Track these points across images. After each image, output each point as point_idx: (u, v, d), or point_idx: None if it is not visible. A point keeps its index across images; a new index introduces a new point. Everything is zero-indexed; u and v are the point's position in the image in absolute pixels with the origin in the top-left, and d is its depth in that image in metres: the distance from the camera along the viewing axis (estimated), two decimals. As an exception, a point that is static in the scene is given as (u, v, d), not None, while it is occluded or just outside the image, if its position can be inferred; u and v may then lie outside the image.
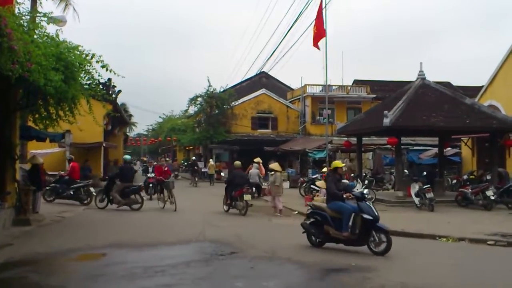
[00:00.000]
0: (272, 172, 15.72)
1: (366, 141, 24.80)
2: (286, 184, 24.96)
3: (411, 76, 42.40)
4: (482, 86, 22.98)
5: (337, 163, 9.91)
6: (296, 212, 15.37)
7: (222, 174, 31.33)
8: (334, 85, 36.49)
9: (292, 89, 43.01)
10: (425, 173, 20.66)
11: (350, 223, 8.48)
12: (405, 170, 23.41)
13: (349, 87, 37.24)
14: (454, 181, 21.77)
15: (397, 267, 7.57)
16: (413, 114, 17.04)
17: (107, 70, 10.42)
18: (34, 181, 12.69)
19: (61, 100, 10.54)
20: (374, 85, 37.52)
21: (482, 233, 10.59)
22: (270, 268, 7.51)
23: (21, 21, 8.63)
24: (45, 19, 9.43)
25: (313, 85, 36.42)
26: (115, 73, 10.59)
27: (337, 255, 8.40)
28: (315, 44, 18.08)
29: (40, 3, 10.83)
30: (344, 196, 8.96)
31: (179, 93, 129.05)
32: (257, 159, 20.42)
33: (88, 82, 11.21)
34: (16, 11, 9.20)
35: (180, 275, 6.85)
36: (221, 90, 36.43)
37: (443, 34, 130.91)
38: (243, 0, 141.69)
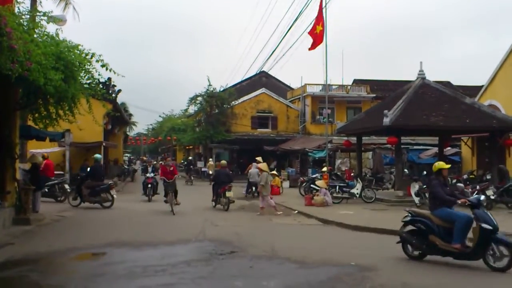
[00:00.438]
0: (268, 172, 15.85)
1: (366, 141, 24.79)
2: (286, 184, 25.01)
3: (411, 75, 42.42)
4: (482, 86, 22.97)
5: (442, 164, 8.44)
6: (296, 211, 15.37)
7: None
8: (334, 85, 36.46)
9: (292, 89, 42.99)
10: (425, 172, 20.69)
11: (466, 234, 7.51)
12: (405, 170, 23.43)
13: (349, 87, 37.22)
14: (454, 181, 21.74)
15: (397, 266, 7.57)
16: (413, 114, 17.04)
17: (107, 69, 10.44)
18: (34, 181, 12.69)
19: (61, 100, 10.54)
20: (374, 85, 37.50)
21: (482, 232, 10.56)
22: (270, 268, 7.51)
23: (21, 20, 8.64)
24: (45, 18, 9.45)
25: (313, 84, 36.41)
26: (115, 73, 10.63)
27: (337, 255, 8.40)
28: (313, 48, 18.17)
29: (40, 2, 10.80)
30: (459, 202, 7.75)
31: (179, 92, 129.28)
32: (259, 158, 20.58)
33: (88, 81, 11.24)
34: (16, 10, 9.21)
35: (180, 274, 6.85)
36: (221, 89, 36.42)
37: (443, 34, 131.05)
38: None
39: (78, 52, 10.09)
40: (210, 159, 32.47)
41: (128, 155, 63.01)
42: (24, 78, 8.17)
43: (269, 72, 41.35)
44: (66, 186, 16.47)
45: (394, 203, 16.73)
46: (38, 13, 9.69)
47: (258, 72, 40.47)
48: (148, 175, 19.47)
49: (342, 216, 13.53)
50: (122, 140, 35.74)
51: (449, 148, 24.05)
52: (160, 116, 64.13)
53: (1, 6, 7.60)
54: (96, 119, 12.63)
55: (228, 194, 15.26)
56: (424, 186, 15.53)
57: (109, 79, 16.30)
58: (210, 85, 35.89)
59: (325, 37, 18.44)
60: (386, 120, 16.26)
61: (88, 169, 16.89)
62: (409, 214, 8.30)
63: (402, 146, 19.85)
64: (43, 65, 8.41)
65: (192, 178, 29.91)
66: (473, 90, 27.15)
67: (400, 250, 8.20)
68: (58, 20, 10.40)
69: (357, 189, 17.63)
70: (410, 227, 8.21)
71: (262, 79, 43.24)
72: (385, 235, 10.83)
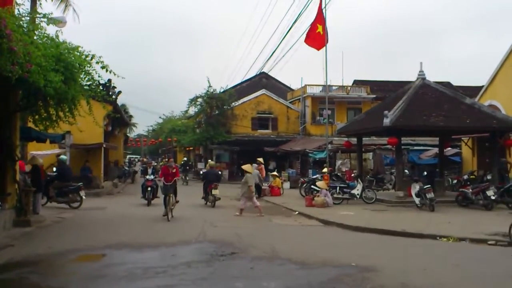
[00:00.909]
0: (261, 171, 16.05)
1: (366, 141, 24.79)
2: (286, 185, 25.01)
3: (411, 76, 42.44)
4: (482, 86, 22.97)
5: None
6: (297, 212, 15.37)
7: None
8: (334, 86, 36.47)
9: (292, 90, 42.99)
10: (425, 173, 20.67)
11: None
12: (406, 170, 23.41)
13: (349, 88, 37.22)
14: (455, 181, 21.76)
15: (397, 267, 7.55)
16: (413, 114, 17.04)
17: (107, 71, 10.43)
18: (34, 182, 12.70)
19: (61, 101, 10.53)
20: (374, 85, 37.50)
21: (483, 233, 10.57)
22: (270, 269, 7.51)
23: (21, 22, 8.63)
24: (45, 20, 9.44)
25: (313, 85, 36.40)
26: (115, 74, 10.62)
27: (337, 256, 8.39)
28: (320, 47, 18.27)
29: (40, 4, 10.87)
30: None
31: (179, 93, 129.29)
32: (260, 159, 22.00)
33: (88, 83, 11.22)
34: (16, 12, 9.21)
35: (180, 276, 6.85)
36: (221, 90, 36.44)
37: (443, 34, 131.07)
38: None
39: (78, 53, 10.08)
40: (209, 161, 32.39)
41: (137, 156, 62.47)
42: (24, 80, 8.16)
43: (269, 73, 41.40)
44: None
45: (394, 204, 16.74)
46: (38, 15, 9.70)
47: (258, 73, 40.50)
48: (148, 177, 17.89)
49: (343, 217, 13.53)
50: (122, 142, 35.73)
51: (449, 148, 24.04)
52: (160, 117, 64.34)
53: (1, 8, 7.60)
54: (96, 121, 12.63)
55: (214, 192, 16.53)
56: (425, 187, 15.54)
57: (109, 80, 16.33)
58: (210, 86, 35.95)
59: (326, 38, 18.46)
60: (386, 121, 16.26)
61: (54, 169, 17.07)
62: None
63: (402, 146, 19.85)
64: (43, 67, 8.41)
65: (188, 178, 30.64)
66: (473, 91, 27.14)
67: (400, 250, 8.18)
68: (58, 22, 10.40)
69: (358, 190, 17.63)
70: None
71: (262, 80, 43.25)
72: (385, 235, 10.84)
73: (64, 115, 11.38)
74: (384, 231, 11.18)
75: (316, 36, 18.26)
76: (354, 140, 22.06)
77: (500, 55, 21.28)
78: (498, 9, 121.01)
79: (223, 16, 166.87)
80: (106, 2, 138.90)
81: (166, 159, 26.51)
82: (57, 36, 9.81)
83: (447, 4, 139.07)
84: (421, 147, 27.14)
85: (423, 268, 7.50)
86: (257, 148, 32.33)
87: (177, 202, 14.23)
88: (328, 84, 24.14)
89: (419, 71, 19.07)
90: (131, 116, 49.47)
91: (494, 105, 20.68)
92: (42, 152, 19.12)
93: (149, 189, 17.34)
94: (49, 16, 9.61)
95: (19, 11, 9.43)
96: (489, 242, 9.85)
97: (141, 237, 10.25)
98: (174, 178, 14.03)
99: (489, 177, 18.15)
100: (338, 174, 23.35)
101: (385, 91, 34.96)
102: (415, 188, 15.86)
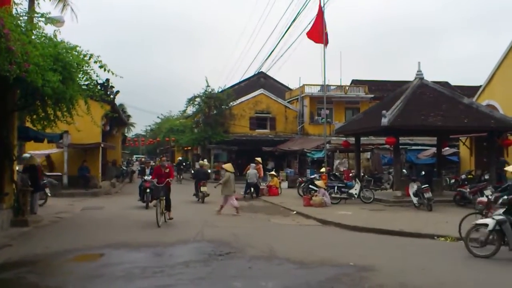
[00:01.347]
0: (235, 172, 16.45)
1: (364, 141, 24.79)
2: (284, 184, 25.02)
3: (409, 76, 42.40)
4: (480, 86, 23.00)
5: None
6: (295, 212, 15.38)
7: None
8: (332, 85, 36.48)
9: (290, 89, 42.96)
10: (423, 172, 20.69)
11: None
12: (404, 170, 23.43)
13: (347, 87, 37.24)
14: (453, 181, 21.79)
15: (395, 267, 7.57)
16: (411, 114, 17.06)
17: (105, 70, 10.41)
18: (32, 182, 12.67)
19: (59, 101, 10.52)
20: (372, 85, 37.53)
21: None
22: (268, 268, 7.51)
23: (19, 22, 8.62)
24: (43, 19, 9.44)
25: (311, 85, 36.42)
26: (113, 73, 10.60)
27: (335, 255, 8.40)
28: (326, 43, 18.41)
29: (38, 3, 10.87)
30: None
31: (178, 93, 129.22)
32: (258, 159, 22.66)
33: (86, 82, 11.19)
34: (14, 11, 9.20)
35: (178, 275, 6.85)
36: (219, 90, 36.41)
37: (442, 34, 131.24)
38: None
39: (76, 53, 10.06)
40: (200, 161, 32.22)
41: (142, 156, 61.29)
42: (22, 79, 8.15)
43: (268, 73, 41.42)
44: None
45: (392, 204, 16.75)
46: (36, 15, 9.70)
47: (256, 73, 40.49)
48: (145, 177, 16.72)
49: (341, 217, 13.54)
50: (120, 141, 35.66)
51: (447, 148, 24.06)
52: (158, 117, 64.17)
53: (-1, 8, 7.60)
54: (94, 120, 12.61)
55: (203, 189, 18.02)
56: (423, 187, 15.56)
57: (108, 80, 16.31)
58: (208, 86, 35.94)
59: (324, 38, 18.49)
60: (384, 121, 16.27)
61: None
62: None
63: (400, 146, 19.87)
64: (41, 66, 8.40)
65: (182, 177, 31.96)
66: (471, 90, 27.17)
67: (398, 250, 8.19)
68: (56, 21, 10.40)
69: (356, 189, 17.64)
70: None
71: (260, 80, 43.21)
72: (383, 235, 10.86)
73: (62, 114, 11.37)
74: (382, 230, 11.19)
75: (318, 31, 18.40)
76: (352, 139, 22.07)
77: (498, 54, 21.35)
78: (499, 9, 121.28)
79: (223, 15, 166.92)
80: (105, 1, 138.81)
81: (164, 157, 26.16)
82: (55, 36, 9.79)
83: (448, 4, 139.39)
84: (419, 147, 27.16)
85: (422, 267, 7.52)
86: (255, 147, 32.32)
87: (170, 219, 12.59)
88: (326, 83, 24.16)
89: (417, 71, 19.09)
90: (129, 116, 49.40)
91: (492, 105, 20.72)
92: (40, 152, 19.14)
93: (147, 190, 15.78)
94: (47, 16, 9.63)
95: (17, 10, 9.44)
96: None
97: (139, 236, 10.24)
98: (167, 179, 12.59)
99: (486, 176, 18.18)
100: (336, 173, 23.36)
101: (383, 90, 35.01)
102: (413, 187, 15.88)
